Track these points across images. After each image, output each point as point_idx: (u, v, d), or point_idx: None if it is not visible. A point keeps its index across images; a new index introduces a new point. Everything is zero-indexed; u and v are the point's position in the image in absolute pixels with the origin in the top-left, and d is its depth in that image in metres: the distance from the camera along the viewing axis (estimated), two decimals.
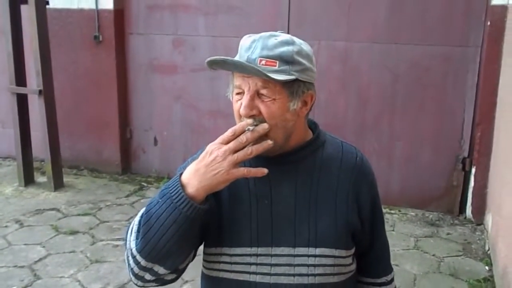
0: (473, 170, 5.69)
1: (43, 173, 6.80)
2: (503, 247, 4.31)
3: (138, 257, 1.61)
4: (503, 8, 5.27)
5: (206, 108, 6.63)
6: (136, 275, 1.67)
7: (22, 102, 6.41)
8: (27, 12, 6.09)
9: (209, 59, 1.61)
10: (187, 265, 1.75)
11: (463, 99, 5.68)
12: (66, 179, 6.66)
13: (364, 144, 5.86)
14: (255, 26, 6.06)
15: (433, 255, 5.00)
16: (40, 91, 6.09)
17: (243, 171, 1.57)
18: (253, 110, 1.61)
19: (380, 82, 5.94)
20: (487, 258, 4.89)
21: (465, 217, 5.80)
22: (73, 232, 5.29)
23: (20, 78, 6.36)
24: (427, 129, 5.87)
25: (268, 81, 1.58)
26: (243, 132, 1.56)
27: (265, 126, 1.58)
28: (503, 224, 4.47)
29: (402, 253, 5.00)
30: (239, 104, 1.64)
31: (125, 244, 1.69)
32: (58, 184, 6.44)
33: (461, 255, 5.00)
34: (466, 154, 5.76)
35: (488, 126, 5.47)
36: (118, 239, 5.16)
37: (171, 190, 1.57)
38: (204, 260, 1.81)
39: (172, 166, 6.82)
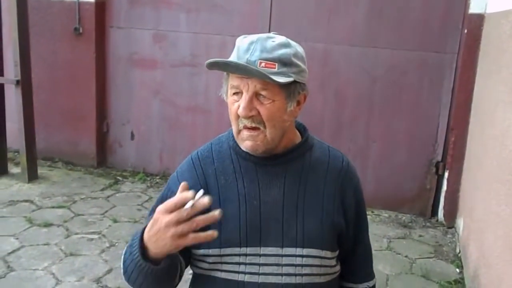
0: (446, 174, 5.78)
1: (16, 164, 6.75)
2: (474, 250, 4.39)
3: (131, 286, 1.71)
4: (480, 17, 5.36)
5: (184, 104, 6.64)
6: None
7: None
8: (7, 1, 6.05)
9: (210, 60, 1.62)
10: (181, 277, 1.79)
11: (438, 104, 5.77)
12: (40, 170, 6.60)
13: (340, 144, 5.89)
14: (236, 25, 6.12)
15: (406, 256, 5.07)
16: (17, 81, 6.04)
17: (191, 239, 1.52)
18: (252, 111, 1.63)
19: (357, 84, 6.00)
20: (458, 261, 4.98)
21: (437, 220, 5.89)
22: (47, 225, 5.24)
23: None
24: (402, 132, 5.95)
25: (267, 83, 1.61)
26: (184, 205, 1.50)
27: (205, 202, 1.49)
28: (475, 228, 4.55)
29: (375, 253, 4.97)
30: (237, 106, 1.66)
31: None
32: (32, 176, 6.38)
33: (432, 257, 5.08)
34: (439, 158, 5.85)
35: (462, 131, 5.57)
36: (93, 233, 5.15)
37: (133, 251, 1.61)
38: (193, 259, 1.84)
39: (149, 161, 6.85)
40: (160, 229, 1.50)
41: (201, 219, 1.48)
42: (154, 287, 1.68)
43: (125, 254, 1.69)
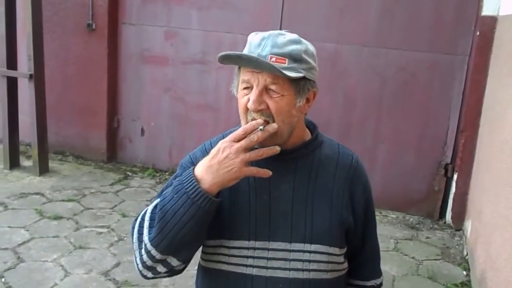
0: (455, 176, 5.78)
1: (28, 157, 6.80)
2: (482, 252, 4.39)
3: (153, 252, 1.65)
4: (493, 19, 5.35)
5: (194, 101, 6.67)
6: (148, 267, 1.70)
7: (12, 85, 6.39)
8: None
9: (222, 53, 1.64)
10: (194, 254, 1.78)
11: (449, 106, 5.76)
12: (51, 164, 6.65)
13: (348, 145, 5.79)
14: (247, 23, 6.13)
15: (413, 257, 5.07)
16: (31, 76, 6.10)
17: (253, 170, 1.63)
18: (261, 105, 1.65)
19: (367, 85, 6.00)
20: (465, 263, 4.97)
21: (445, 222, 5.89)
22: (57, 217, 5.29)
23: (11, 61, 6.34)
24: (412, 134, 5.94)
25: (277, 77, 1.63)
26: (253, 131, 1.60)
27: (274, 126, 1.63)
28: (483, 230, 4.55)
29: (382, 254, 4.96)
30: (246, 99, 1.67)
31: (133, 239, 1.71)
32: (43, 169, 6.44)
33: (439, 259, 5.08)
34: (449, 160, 5.84)
35: (472, 134, 5.56)
36: (102, 227, 5.19)
37: (186, 185, 1.60)
38: (202, 252, 1.85)
39: (158, 157, 6.87)
40: (229, 155, 1.59)
41: (264, 150, 1.63)
42: (193, 234, 1.64)
43: (163, 206, 1.64)
